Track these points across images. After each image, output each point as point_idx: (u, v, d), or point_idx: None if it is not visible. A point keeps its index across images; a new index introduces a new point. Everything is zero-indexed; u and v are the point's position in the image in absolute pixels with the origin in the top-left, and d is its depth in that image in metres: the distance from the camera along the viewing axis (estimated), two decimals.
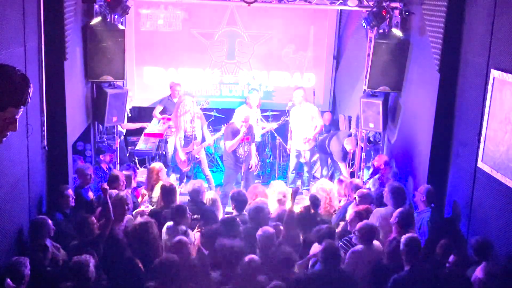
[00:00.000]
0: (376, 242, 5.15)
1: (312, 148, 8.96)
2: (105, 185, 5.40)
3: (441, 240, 5.02)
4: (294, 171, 9.11)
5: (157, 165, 6.88)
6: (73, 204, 5.75)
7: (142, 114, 9.81)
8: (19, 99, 2.05)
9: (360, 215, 5.47)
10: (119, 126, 8.15)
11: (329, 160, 9.05)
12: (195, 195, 6.08)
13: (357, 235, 5.05)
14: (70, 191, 5.77)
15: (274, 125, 9.37)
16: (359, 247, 5.05)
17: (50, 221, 5.00)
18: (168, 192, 6.00)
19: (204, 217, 5.77)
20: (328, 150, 8.55)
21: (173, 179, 7.29)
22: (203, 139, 8.60)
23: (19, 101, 2.05)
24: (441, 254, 4.85)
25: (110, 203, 5.23)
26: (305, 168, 9.12)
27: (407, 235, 4.77)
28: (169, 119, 8.68)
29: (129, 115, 8.91)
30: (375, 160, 7.50)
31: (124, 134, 9.00)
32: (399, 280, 4.54)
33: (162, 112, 9.12)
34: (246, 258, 4.55)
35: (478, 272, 4.20)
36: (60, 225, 5.39)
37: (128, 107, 8.47)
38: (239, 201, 6.02)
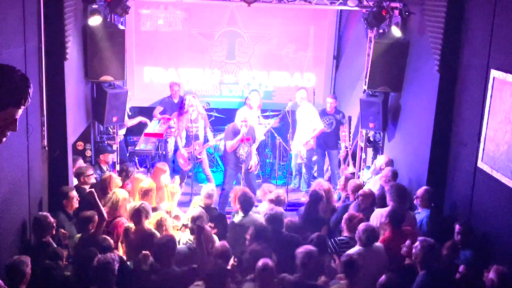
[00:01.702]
0: (378, 244, 5.12)
1: (311, 149, 8.98)
2: (91, 189, 5.57)
3: (446, 241, 5.01)
4: (297, 172, 9.19)
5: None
6: (77, 205, 5.76)
7: (142, 114, 9.80)
8: (19, 99, 2.04)
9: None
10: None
11: (327, 159, 9.08)
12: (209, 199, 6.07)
13: (358, 237, 5.00)
14: (75, 193, 5.76)
15: (272, 121, 9.36)
16: (356, 249, 4.97)
17: (51, 218, 5.03)
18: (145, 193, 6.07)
19: (216, 224, 5.75)
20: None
21: (177, 181, 7.20)
22: (206, 140, 8.61)
23: (19, 101, 2.05)
24: (447, 255, 4.80)
25: (100, 204, 5.35)
26: (304, 170, 9.13)
27: (424, 239, 4.60)
28: (169, 119, 8.68)
29: (129, 114, 8.90)
30: (377, 160, 7.51)
31: (124, 134, 8.99)
32: (419, 285, 4.45)
33: (162, 113, 9.12)
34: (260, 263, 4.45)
35: (491, 274, 4.18)
36: (63, 225, 5.42)
37: (128, 106, 8.46)
38: (245, 202, 5.94)
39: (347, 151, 8.60)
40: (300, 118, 8.83)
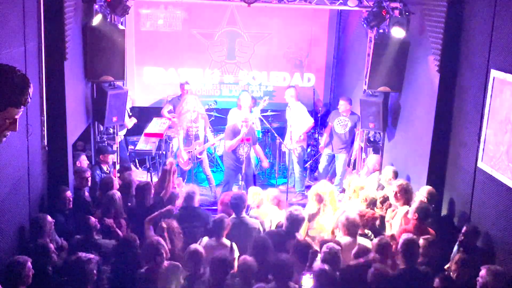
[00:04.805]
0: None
1: (303, 149, 8.99)
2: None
3: (449, 241, 5.01)
4: (292, 171, 9.17)
5: None
6: (71, 206, 5.77)
7: (142, 114, 9.79)
8: (19, 99, 2.05)
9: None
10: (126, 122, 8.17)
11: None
12: (189, 200, 5.97)
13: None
14: (69, 193, 5.78)
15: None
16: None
17: (49, 219, 5.02)
18: (142, 189, 6.06)
19: (199, 221, 5.73)
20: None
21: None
22: (205, 140, 8.59)
23: (19, 101, 2.05)
24: (456, 270, 4.63)
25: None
26: (296, 168, 9.04)
27: (406, 236, 4.77)
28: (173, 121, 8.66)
29: (130, 114, 8.89)
30: (368, 161, 7.53)
31: (124, 134, 8.98)
32: (391, 279, 4.52)
33: (170, 112, 9.04)
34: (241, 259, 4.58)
35: (482, 273, 4.17)
36: (60, 225, 5.42)
37: (128, 106, 8.45)
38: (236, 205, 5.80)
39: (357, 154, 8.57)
40: (290, 118, 8.77)
